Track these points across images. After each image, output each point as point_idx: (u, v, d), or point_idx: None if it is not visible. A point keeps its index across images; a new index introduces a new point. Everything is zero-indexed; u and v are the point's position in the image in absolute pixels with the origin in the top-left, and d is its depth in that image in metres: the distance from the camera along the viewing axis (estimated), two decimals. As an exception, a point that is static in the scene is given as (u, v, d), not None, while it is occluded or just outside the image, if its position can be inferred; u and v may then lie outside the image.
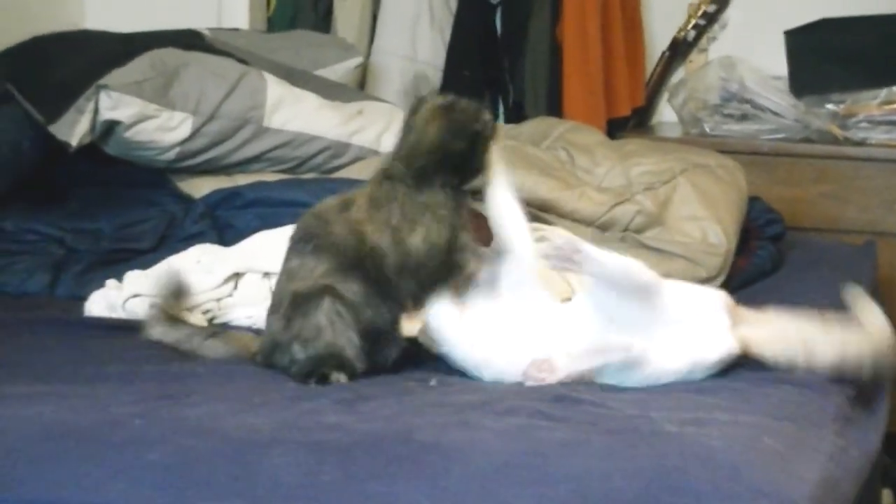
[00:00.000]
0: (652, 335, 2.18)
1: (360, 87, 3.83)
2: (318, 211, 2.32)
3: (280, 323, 2.27)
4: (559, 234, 2.31)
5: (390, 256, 2.24)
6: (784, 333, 2.24)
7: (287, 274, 2.29)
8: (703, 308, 2.26)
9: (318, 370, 2.22)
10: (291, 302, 2.26)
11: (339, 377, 2.21)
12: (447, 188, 2.27)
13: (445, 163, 2.27)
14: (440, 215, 2.25)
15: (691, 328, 2.21)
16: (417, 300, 2.29)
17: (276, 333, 2.28)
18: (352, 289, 2.24)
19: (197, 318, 2.58)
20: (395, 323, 2.29)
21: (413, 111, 2.31)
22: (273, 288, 2.38)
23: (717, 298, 2.31)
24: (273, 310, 2.30)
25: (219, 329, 2.49)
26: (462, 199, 2.30)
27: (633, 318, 2.19)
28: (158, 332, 2.40)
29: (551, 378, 2.18)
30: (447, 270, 2.27)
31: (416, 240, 2.24)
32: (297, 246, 2.29)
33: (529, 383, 2.17)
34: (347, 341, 2.23)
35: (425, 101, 2.32)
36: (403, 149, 2.30)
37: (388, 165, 2.31)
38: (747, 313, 2.30)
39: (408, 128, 2.31)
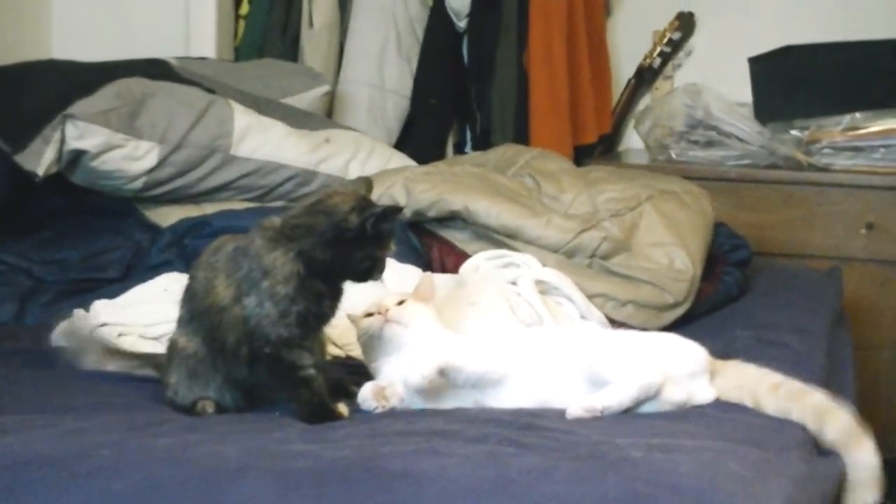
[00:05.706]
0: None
1: (327, 115, 3.83)
2: (214, 245, 2.22)
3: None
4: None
5: (227, 314, 2.14)
6: (740, 382, 2.25)
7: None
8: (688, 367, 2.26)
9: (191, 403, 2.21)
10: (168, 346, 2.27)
11: (206, 405, 2.19)
12: (305, 263, 2.11)
13: (313, 234, 2.12)
14: (276, 291, 2.11)
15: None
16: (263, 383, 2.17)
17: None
18: (196, 341, 2.19)
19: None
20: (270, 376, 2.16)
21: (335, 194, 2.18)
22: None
23: (699, 355, 2.28)
24: None
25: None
26: (316, 286, 2.13)
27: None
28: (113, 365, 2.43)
29: None
30: (276, 363, 2.13)
31: (251, 302, 2.12)
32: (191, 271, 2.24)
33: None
34: (203, 389, 2.20)
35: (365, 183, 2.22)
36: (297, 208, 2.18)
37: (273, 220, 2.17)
38: (717, 364, 2.30)
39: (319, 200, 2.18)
